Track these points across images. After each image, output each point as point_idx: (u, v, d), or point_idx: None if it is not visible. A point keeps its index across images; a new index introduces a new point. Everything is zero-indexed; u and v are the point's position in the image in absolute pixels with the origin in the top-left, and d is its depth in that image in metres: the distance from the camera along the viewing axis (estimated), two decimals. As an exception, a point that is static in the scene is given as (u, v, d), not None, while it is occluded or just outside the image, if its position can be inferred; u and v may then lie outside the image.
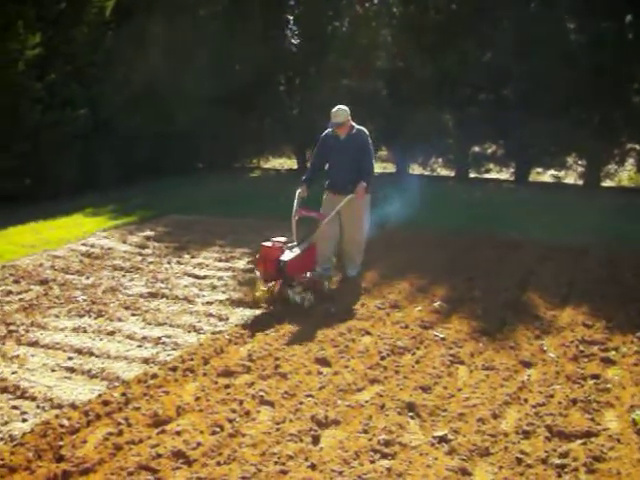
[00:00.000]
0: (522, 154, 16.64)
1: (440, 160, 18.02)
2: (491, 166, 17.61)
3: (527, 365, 5.50)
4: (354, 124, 7.46)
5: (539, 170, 17.60)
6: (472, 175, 17.62)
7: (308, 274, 7.19)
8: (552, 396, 4.87)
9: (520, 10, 15.63)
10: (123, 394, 4.75)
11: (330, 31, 18.03)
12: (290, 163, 19.86)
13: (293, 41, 19.13)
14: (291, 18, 18.97)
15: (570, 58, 14.76)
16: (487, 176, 17.66)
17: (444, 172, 18.26)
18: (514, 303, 6.99)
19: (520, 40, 15.01)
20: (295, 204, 7.30)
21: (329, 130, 7.52)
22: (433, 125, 16.66)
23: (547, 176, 17.50)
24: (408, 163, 18.32)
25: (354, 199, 7.29)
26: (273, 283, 6.96)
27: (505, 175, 17.73)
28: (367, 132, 7.52)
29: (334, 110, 7.31)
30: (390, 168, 19.13)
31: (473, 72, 15.62)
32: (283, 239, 7.04)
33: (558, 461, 4.01)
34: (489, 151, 17.68)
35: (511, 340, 5.99)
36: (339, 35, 17.95)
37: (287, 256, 6.79)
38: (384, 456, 4.06)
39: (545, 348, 5.82)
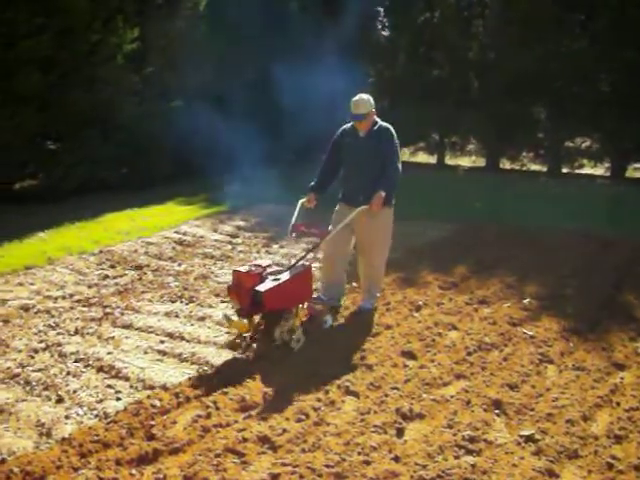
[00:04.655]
0: (618, 149, 16.06)
1: (531, 154, 17.63)
2: (585, 161, 17.09)
3: (620, 367, 5.32)
4: (378, 120, 6.12)
5: (637, 166, 16.94)
6: (565, 170, 17.13)
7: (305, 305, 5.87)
8: (646, 401, 4.71)
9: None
10: (212, 378, 4.88)
11: (421, 22, 17.90)
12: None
13: (383, 33, 19.10)
14: (381, 10, 18.93)
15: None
16: (580, 171, 17.14)
17: (535, 167, 17.83)
18: (608, 303, 6.78)
19: (616, 28, 14.46)
20: (294, 217, 6.03)
21: (347, 125, 6.26)
22: (524, 118, 16.31)
23: (644, 172, 16.86)
24: (498, 157, 18.02)
25: (367, 211, 5.89)
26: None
27: (600, 171, 17.16)
28: (393, 131, 6.06)
29: (354, 99, 5.98)
30: (479, 162, 18.85)
31: (566, 63, 15.18)
32: (266, 262, 5.69)
33: (652, 468, 3.87)
34: (583, 146, 17.16)
35: (604, 341, 5.80)
36: (430, 26, 17.79)
37: (265, 285, 5.28)
38: (469, 452, 4.01)
39: (640, 351, 5.63)
